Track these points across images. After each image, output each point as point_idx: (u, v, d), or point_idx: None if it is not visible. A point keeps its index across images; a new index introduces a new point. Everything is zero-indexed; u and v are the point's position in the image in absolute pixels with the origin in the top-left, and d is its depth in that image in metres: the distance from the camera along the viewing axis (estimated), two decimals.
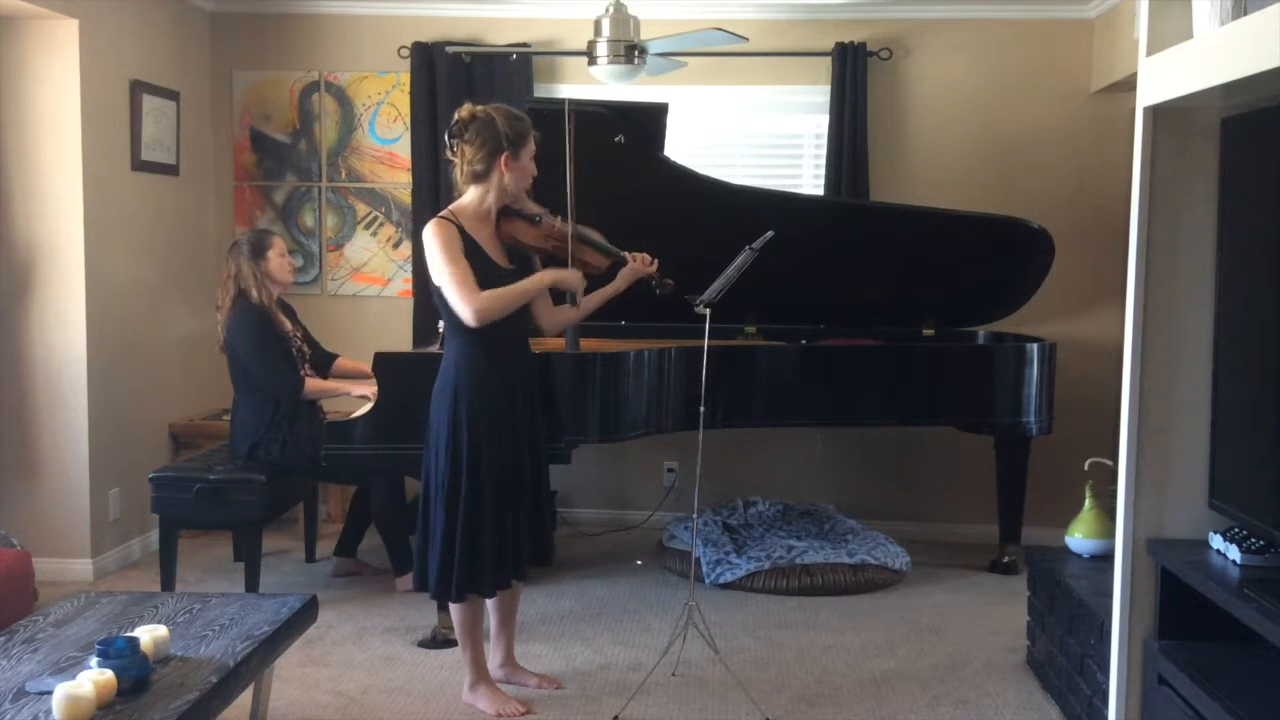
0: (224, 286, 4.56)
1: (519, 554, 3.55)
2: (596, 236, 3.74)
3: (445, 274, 3.34)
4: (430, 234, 3.38)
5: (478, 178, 3.44)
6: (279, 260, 4.59)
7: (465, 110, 3.44)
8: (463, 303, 3.33)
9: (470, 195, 3.48)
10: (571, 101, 3.89)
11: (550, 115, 3.84)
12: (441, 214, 3.47)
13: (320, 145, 5.78)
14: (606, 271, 3.75)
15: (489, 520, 3.45)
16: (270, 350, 4.48)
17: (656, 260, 3.72)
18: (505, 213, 3.52)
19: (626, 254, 3.71)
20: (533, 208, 3.59)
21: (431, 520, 3.50)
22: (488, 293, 3.36)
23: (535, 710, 3.60)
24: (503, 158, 3.40)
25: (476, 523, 3.45)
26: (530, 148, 3.46)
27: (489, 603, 3.72)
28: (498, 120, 3.39)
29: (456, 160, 3.45)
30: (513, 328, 3.51)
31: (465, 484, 3.43)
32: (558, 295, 3.72)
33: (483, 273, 3.41)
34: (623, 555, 5.30)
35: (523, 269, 3.56)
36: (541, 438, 3.67)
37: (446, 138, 3.45)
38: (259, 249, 4.55)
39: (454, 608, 3.58)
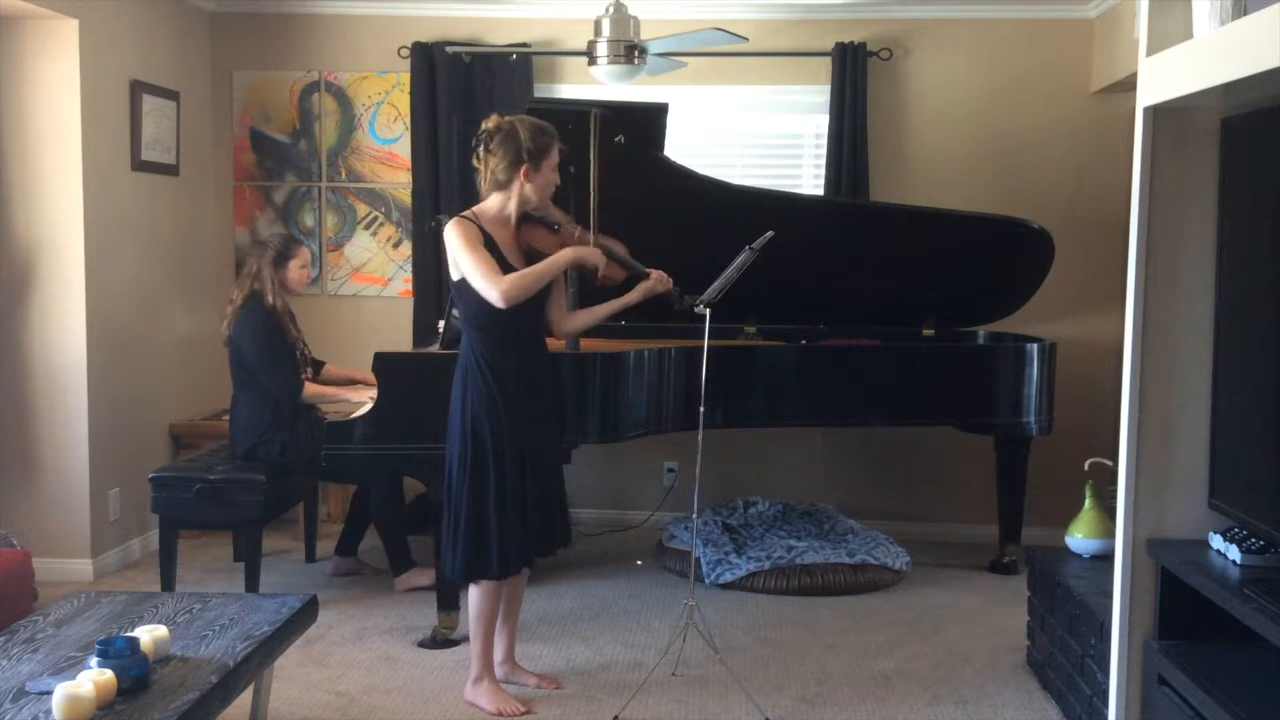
0: (240, 283, 4.59)
1: (526, 543, 3.58)
2: (618, 248, 3.77)
3: (469, 264, 3.42)
4: (450, 231, 3.47)
5: (500, 186, 3.52)
6: (298, 272, 4.64)
7: (492, 121, 3.52)
8: (490, 286, 3.39)
9: (492, 200, 3.55)
10: (594, 107, 3.89)
11: (557, 117, 3.84)
12: (463, 214, 3.55)
13: (320, 145, 5.78)
14: (622, 284, 3.77)
15: (495, 509, 3.50)
16: (275, 351, 4.51)
17: (669, 278, 3.75)
18: (527, 219, 3.59)
19: (648, 270, 3.74)
20: (556, 215, 3.64)
21: (447, 507, 3.58)
22: (512, 274, 3.43)
23: (535, 710, 3.60)
24: (523, 169, 3.47)
25: (482, 511, 3.50)
26: (552, 159, 3.51)
27: None
28: (521, 132, 3.46)
29: (481, 169, 3.52)
30: (522, 325, 3.55)
31: (470, 474, 3.51)
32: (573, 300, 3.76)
33: None
34: (623, 555, 5.30)
35: None
36: (555, 434, 3.72)
37: (473, 146, 3.53)
38: (283, 256, 4.59)
39: (472, 595, 3.62)
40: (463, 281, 3.47)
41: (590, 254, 3.59)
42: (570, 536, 3.81)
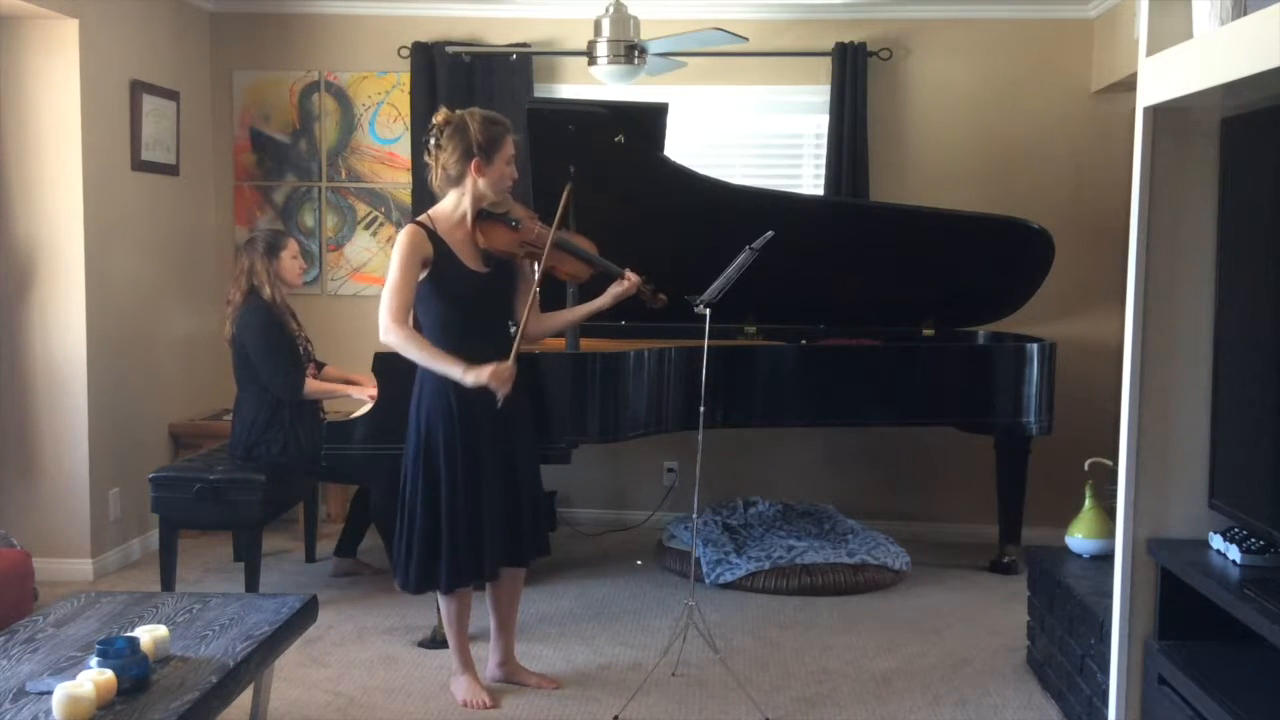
0: (236, 281, 4.57)
1: (479, 555, 3.53)
2: (583, 245, 3.70)
3: (390, 281, 3.38)
4: (399, 239, 3.42)
5: (452, 182, 3.47)
6: (291, 262, 4.62)
7: (441, 115, 3.46)
8: (383, 319, 3.37)
9: (448, 199, 3.51)
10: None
11: (557, 117, 3.83)
12: (418, 218, 3.49)
13: (320, 145, 5.78)
14: (592, 283, 3.73)
15: (446, 520, 3.47)
16: (276, 347, 4.50)
17: (640, 279, 3.69)
18: (484, 216, 3.51)
19: (623, 271, 3.69)
20: (517, 211, 3.56)
21: (400, 515, 3.56)
22: (407, 333, 3.37)
23: (502, 704, 3.61)
24: (474, 163, 3.41)
25: (433, 523, 3.48)
26: (506, 152, 3.44)
27: (488, 603, 3.75)
28: (471, 125, 3.40)
29: (432, 164, 3.47)
30: (482, 333, 3.50)
31: (423, 483, 3.48)
32: (545, 303, 3.71)
33: (454, 277, 3.44)
34: (623, 555, 5.30)
35: (499, 272, 3.54)
36: (523, 442, 3.64)
37: (423, 142, 3.47)
38: (273, 248, 4.57)
39: (440, 599, 3.64)
40: (421, 286, 3.42)
41: (489, 376, 3.36)
42: (548, 546, 3.77)
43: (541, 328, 3.73)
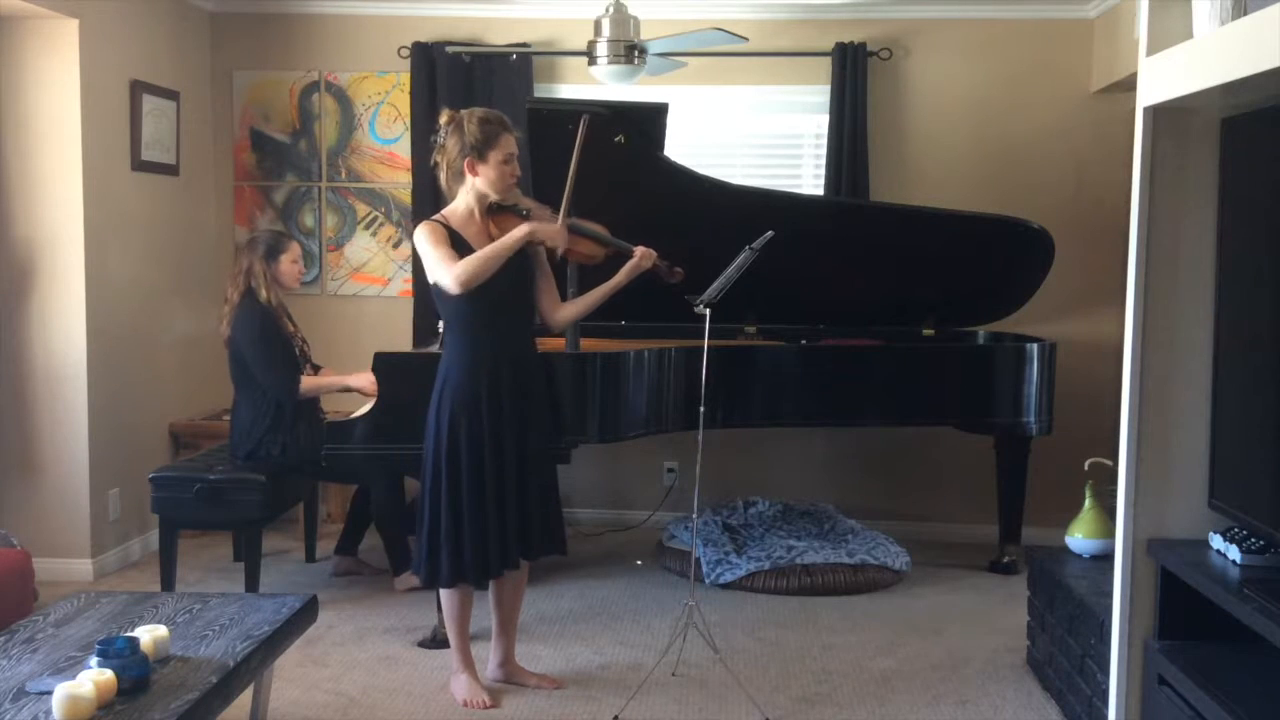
0: (234, 281, 4.57)
1: (505, 547, 3.56)
2: (595, 228, 3.75)
3: (429, 258, 3.46)
4: (418, 234, 3.51)
5: (458, 178, 3.55)
6: (290, 266, 4.61)
7: (444, 116, 3.56)
8: (445, 273, 3.41)
9: (459, 198, 3.59)
10: (585, 108, 3.85)
11: (557, 117, 3.84)
12: (432, 217, 3.57)
13: (320, 145, 5.78)
14: (607, 264, 3.75)
15: (472, 513, 3.50)
16: (272, 349, 4.49)
17: (655, 253, 3.73)
18: (494, 209, 3.58)
19: (633, 248, 3.73)
20: (525, 202, 3.63)
21: (422, 510, 3.58)
22: (464, 259, 3.42)
23: (502, 704, 3.61)
24: (467, 161, 3.49)
25: (459, 515, 3.51)
26: (503, 150, 3.49)
27: (491, 602, 3.76)
28: (467, 124, 3.48)
29: (441, 163, 3.55)
30: (506, 326, 3.54)
31: (446, 477, 3.51)
32: (561, 291, 3.75)
33: None
34: (623, 555, 5.30)
35: (517, 263, 3.57)
36: (540, 434, 3.67)
37: (431, 142, 3.58)
38: (274, 251, 4.57)
39: (443, 596, 3.66)
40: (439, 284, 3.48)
41: (544, 230, 3.53)
42: (564, 544, 3.77)
43: (564, 314, 3.75)
